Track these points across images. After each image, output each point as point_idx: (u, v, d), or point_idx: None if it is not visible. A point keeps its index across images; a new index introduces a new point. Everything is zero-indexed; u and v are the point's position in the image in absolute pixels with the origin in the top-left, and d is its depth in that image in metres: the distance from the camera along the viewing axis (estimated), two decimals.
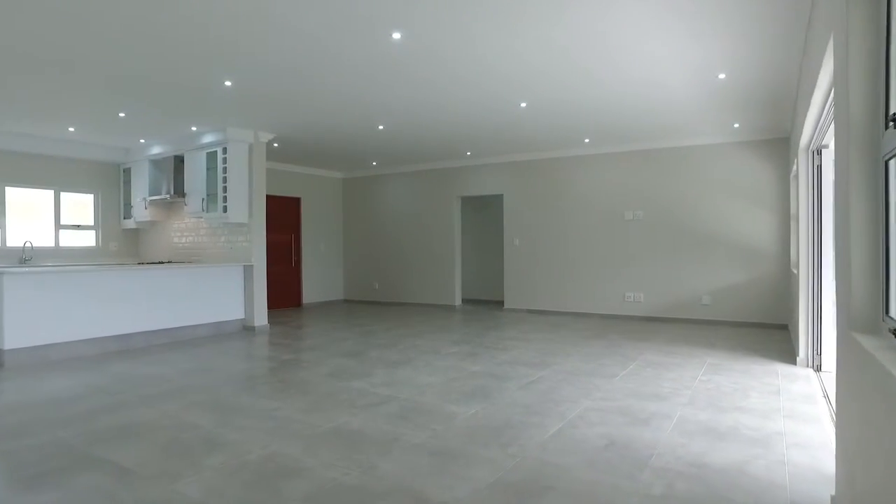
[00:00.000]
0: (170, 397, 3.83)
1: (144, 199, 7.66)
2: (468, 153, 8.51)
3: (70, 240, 7.76)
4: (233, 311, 6.85)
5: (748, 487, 2.35)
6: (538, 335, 6.39)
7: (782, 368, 4.59)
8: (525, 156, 8.54)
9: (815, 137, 4.09)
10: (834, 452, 2.67)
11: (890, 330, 1.53)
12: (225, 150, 6.73)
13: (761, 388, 3.97)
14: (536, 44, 3.91)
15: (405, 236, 9.88)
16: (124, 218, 8.15)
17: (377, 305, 9.82)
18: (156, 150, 7.53)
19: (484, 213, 10.24)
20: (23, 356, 4.95)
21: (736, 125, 6.45)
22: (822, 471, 2.52)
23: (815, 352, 4.54)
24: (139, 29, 3.59)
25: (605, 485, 2.39)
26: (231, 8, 3.29)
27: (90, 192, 7.95)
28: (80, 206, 7.90)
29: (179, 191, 7.31)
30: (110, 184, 8.12)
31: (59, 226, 7.61)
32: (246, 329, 6.92)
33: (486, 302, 9.95)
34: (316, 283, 9.99)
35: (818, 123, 3.69)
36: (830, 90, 2.85)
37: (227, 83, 4.81)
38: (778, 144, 6.80)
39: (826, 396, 3.71)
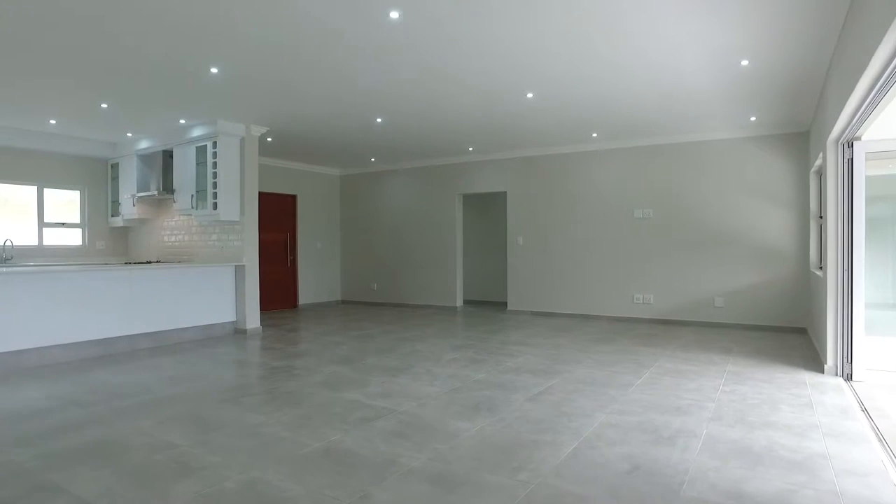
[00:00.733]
0: (147, 410, 3.51)
1: (133, 195, 7.32)
2: (470, 149, 8.18)
3: (55, 238, 7.42)
4: (223, 313, 6.52)
5: None
6: (544, 339, 6.06)
7: (810, 377, 4.26)
8: (529, 151, 8.20)
9: (849, 128, 3.76)
10: (893, 481, 2.35)
11: None
12: (215, 145, 6.39)
13: (791, 399, 3.65)
14: (547, 24, 3.59)
15: (405, 235, 9.54)
16: (112, 215, 7.80)
17: (375, 307, 9.48)
18: (144, 144, 7.19)
19: (487, 211, 9.91)
20: None
21: (752, 118, 6.12)
22: None
23: (845, 359, 4.22)
24: (108, 2, 3.27)
25: None
26: None
27: (76, 189, 7.61)
28: (66, 203, 7.57)
29: (168, 187, 6.97)
30: (97, 180, 7.78)
31: (42, 223, 7.28)
32: (237, 332, 6.59)
33: (488, 303, 9.62)
34: (312, 283, 9.65)
35: (856, 111, 3.36)
36: (884, 71, 2.52)
37: (213, 70, 4.48)
38: (796, 139, 6.47)
39: (865, 411, 3.39)
